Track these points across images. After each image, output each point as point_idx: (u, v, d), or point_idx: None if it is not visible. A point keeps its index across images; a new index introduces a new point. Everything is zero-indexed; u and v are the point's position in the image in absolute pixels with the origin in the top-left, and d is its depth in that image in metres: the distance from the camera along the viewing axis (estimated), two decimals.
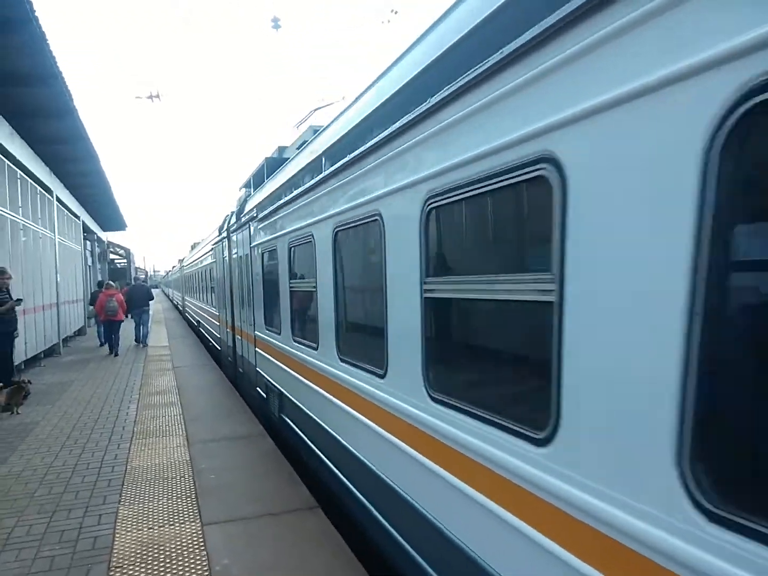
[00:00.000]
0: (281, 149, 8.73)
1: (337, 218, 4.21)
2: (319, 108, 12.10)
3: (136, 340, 18.97)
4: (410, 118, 2.90)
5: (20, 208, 13.54)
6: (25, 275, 13.23)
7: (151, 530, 4.96)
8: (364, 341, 3.98)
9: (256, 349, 8.29)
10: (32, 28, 8.68)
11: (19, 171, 13.67)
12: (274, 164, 7.56)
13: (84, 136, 14.44)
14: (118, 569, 4.35)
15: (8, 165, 12.68)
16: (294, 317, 5.93)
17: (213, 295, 15.00)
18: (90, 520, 5.24)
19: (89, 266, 29.81)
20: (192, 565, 4.37)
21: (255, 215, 7.73)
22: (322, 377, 4.81)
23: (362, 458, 3.94)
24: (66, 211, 20.68)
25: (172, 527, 5.01)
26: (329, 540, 4.56)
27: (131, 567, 4.38)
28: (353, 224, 3.91)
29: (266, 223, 7.03)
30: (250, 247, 8.23)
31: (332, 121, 4.51)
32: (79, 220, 24.06)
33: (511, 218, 2.39)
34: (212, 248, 14.63)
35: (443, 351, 2.95)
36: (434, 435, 2.92)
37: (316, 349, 4.99)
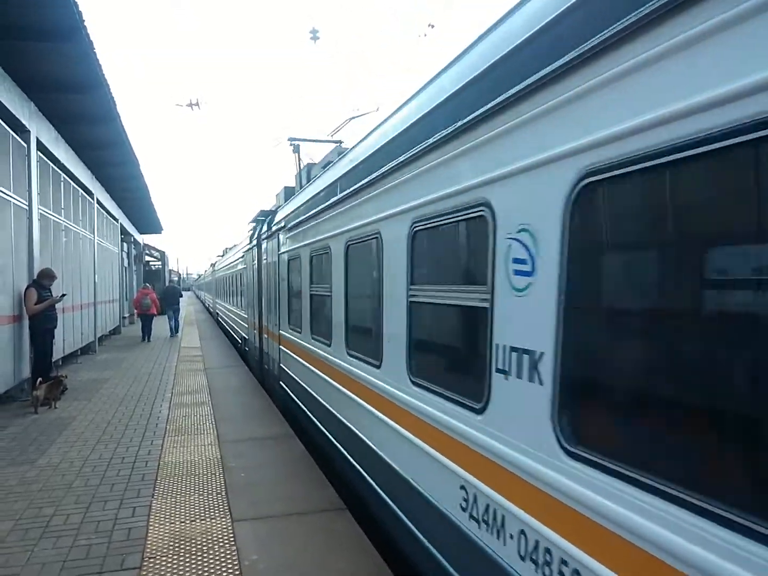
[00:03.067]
0: (309, 166, 9.59)
1: (348, 234, 5.13)
2: (354, 117, 12.22)
3: (170, 332, 23.58)
4: (399, 161, 3.88)
5: (63, 210, 13.94)
6: (65, 275, 13.61)
7: (183, 524, 5.07)
8: (366, 338, 4.77)
9: (280, 346, 9.17)
10: (81, 36, 8.96)
11: (63, 174, 14.07)
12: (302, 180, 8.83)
13: (125, 141, 14.81)
14: (151, 560, 4.46)
15: (53, 168, 13.06)
16: (312, 318, 6.96)
17: (242, 297, 15.97)
18: (125, 512, 5.37)
19: (125, 267, 30.53)
20: (222, 559, 4.45)
21: (283, 226, 8.62)
22: (334, 369, 5.80)
23: (362, 436, 4.94)
24: (105, 213, 21.26)
25: (203, 522, 5.11)
26: (356, 541, 4.62)
27: (164, 558, 4.48)
28: (360, 240, 4.82)
29: (292, 233, 7.91)
30: (278, 255, 9.17)
31: (344, 155, 5.66)
32: (118, 222, 24.66)
33: (462, 243, 3.34)
34: (243, 255, 15.37)
35: (418, 345, 3.84)
36: (414, 413, 3.81)
37: (329, 345, 5.99)
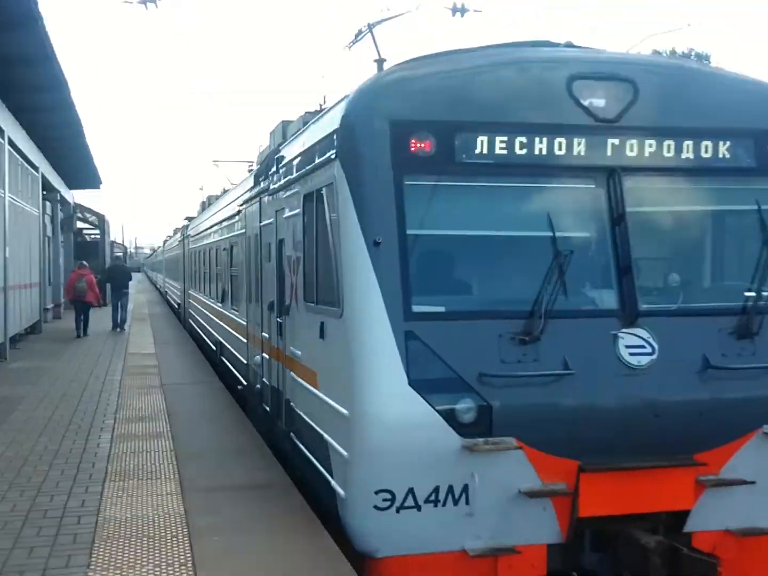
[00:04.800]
0: (285, 124, 10.99)
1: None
2: (381, 21, 12.23)
3: (113, 326, 24.74)
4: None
5: None
6: None
7: None
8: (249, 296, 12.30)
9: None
10: None
11: None
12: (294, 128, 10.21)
13: (50, 55, 14.80)
14: None
15: None
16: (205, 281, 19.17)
17: (237, 288, 14.87)
18: None
19: (49, 237, 30.71)
20: None
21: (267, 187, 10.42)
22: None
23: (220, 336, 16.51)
24: (20, 157, 21.15)
25: None
26: None
27: None
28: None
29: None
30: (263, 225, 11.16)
31: (236, 186, 15.64)
32: (38, 172, 24.77)
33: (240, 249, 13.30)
34: (239, 209, 13.76)
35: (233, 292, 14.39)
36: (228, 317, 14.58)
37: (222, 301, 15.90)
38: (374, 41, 11.15)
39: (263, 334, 10.34)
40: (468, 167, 6.33)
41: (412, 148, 6.17)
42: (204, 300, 20.31)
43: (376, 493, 5.86)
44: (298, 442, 7.99)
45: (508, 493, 5.96)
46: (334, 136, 6.60)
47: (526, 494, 5.95)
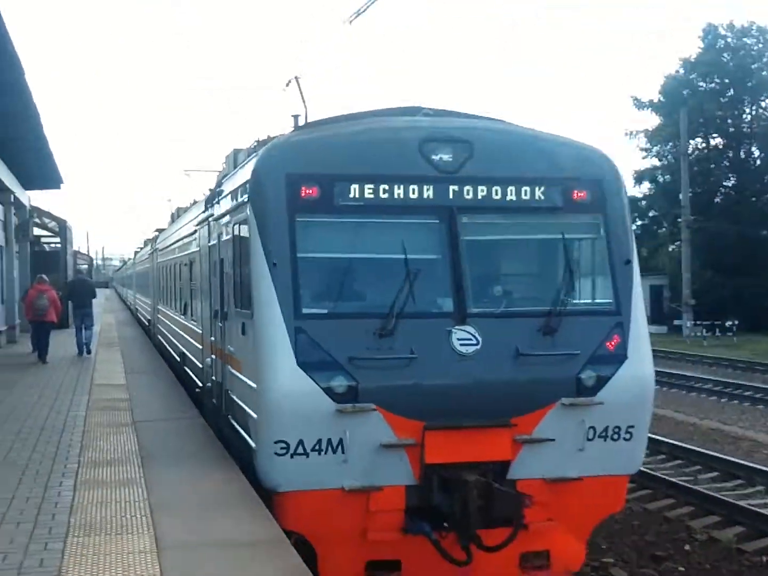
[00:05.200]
0: (236, 152, 13.34)
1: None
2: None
3: (78, 351, 24.33)
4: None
5: None
6: None
7: None
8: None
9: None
10: None
11: None
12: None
13: None
14: None
15: None
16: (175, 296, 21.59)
17: (195, 300, 17.33)
18: None
19: (0, 247, 30.22)
20: None
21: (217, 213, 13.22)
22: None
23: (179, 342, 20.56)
24: None
25: None
26: None
27: None
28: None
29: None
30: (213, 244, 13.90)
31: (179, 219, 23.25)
32: None
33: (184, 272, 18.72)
34: (195, 229, 16.42)
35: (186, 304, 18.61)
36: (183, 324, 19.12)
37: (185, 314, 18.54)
38: (300, 93, 15.36)
39: (211, 338, 13.22)
40: (344, 207, 9.31)
41: (302, 194, 9.16)
42: (170, 314, 23.14)
43: (275, 443, 8.74)
44: (232, 421, 10.87)
45: (373, 445, 8.83)
46: (247, 184, 9.78)
47: (385, 447, 8.83)
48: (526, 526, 9.10)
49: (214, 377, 12.91)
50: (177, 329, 20.85)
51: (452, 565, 8.95)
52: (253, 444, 9.32)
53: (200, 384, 15.04)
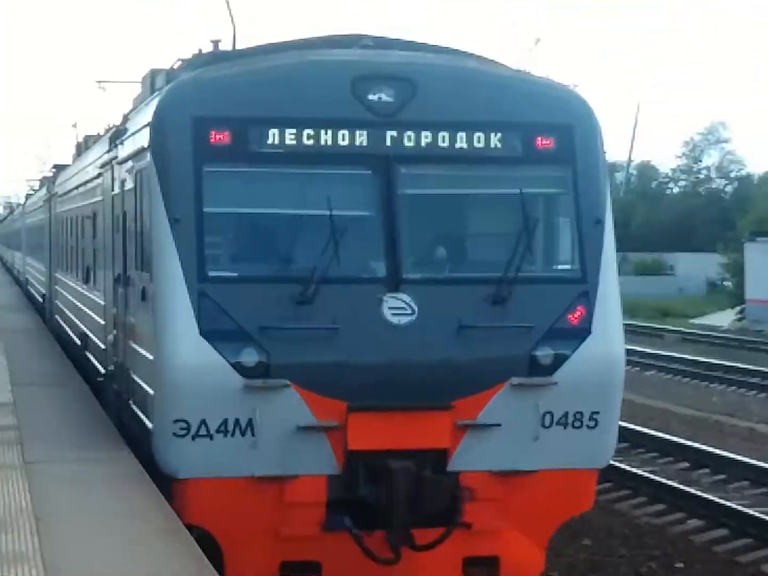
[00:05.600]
0: (154, 73, 11.07)
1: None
2: None
3: None
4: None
5: None
6: None
7: None
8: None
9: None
10: None
11: None
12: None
13: None
14: None
15: None
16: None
17: (98, 264, 13.82)
18: None
19: None
20: None
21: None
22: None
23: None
24: None
25: None
26: None
27: None
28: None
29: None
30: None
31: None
32: None
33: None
34: (99, 172, 13.18)
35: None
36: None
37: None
38: (229, 9, 12.92)
39: (113, 310, 11.20)
40: (261, 156, 8.14)
41: (212, 140, 7.95)
42: (70, 284, 18.37)
43: (174, 422, 7.71)
44: (133, 406, 9.43)
45: (287, 428, 7.75)
46: (149, 127, 8.46)
47: (302, 429, 7.74)
48: (468, 525, 7.97)
49: (116, 357, 11.12)
50: (77, 302, 16.96)
51: (379, 567, 7.82)
52: (149, 423, 8.31)
53: (102, 370, 12.77)
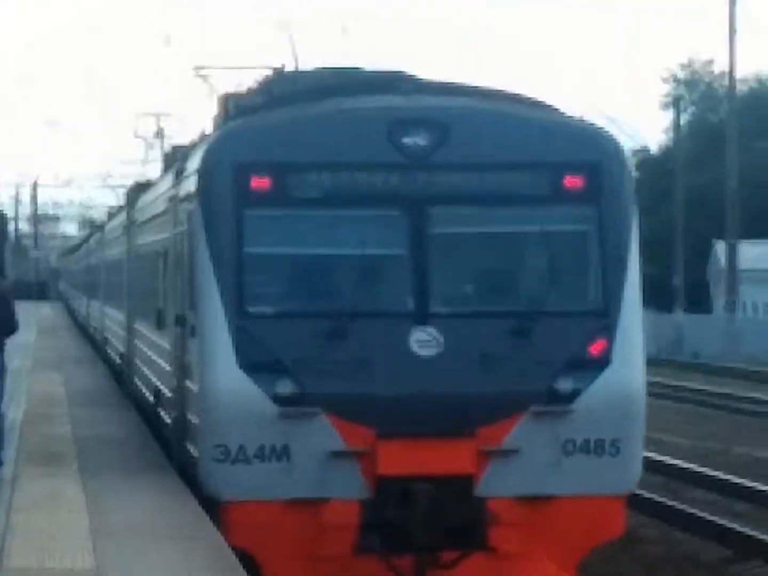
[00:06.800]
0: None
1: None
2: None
3: None
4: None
5: None
6: None
7: None
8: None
9: None
10: None
11: None
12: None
13: None
14: None
15: None
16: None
17: (166, 307, 12.71)
18: None
19: None
20: None
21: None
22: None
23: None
24: None
25: None
26: None
27: None
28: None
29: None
30: None
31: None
32: None
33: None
34: (167, 207, 12.49)
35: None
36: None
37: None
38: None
39: (176, 354, 10.75)
40: (298, 200, 8.64)
41: (252, 185, 8.47)
42: (147, 334, 15.18)
43: (215, 447, 8.25)
44: (189, 447, 9.67)
45: (320, 453, 8.19)
46: (195, 175, 9.07)
47: (334, 455, 8.19)
48: (494, 549, 8.32)
49: (177, 401, 10.88)
50: (154, 355, 13.87)
51: None
52: (194, 453, 8.86)
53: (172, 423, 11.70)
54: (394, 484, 8.19)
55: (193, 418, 9.07)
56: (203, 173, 8.81)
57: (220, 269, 8.37)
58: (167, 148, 25.69)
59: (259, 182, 8.46)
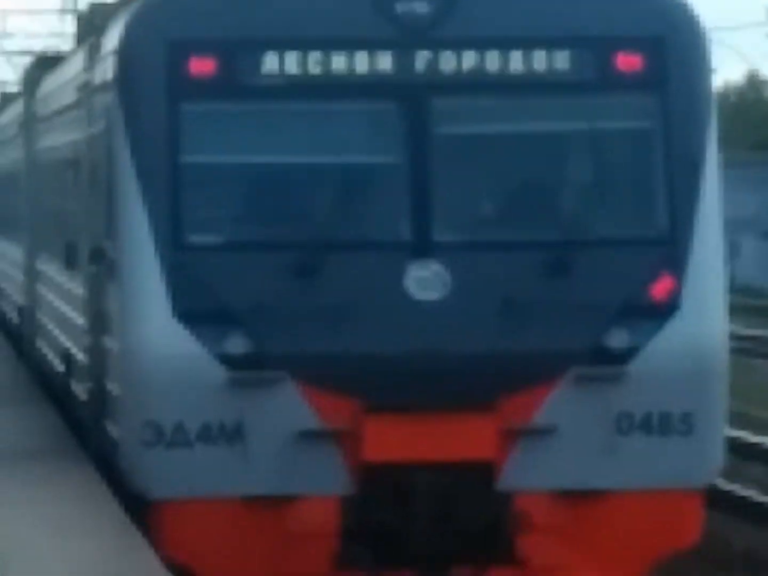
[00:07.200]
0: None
1: None
2: None
3: None
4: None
5: None
6: None
7: None
8: None
9: None
10: None
11: None
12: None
13: None
14: None
15: None
16: None
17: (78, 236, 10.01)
18: None
19: None
20: None
21: None
22: None
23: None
24: None
25: None
26: None
27: None
28: None
29: None
30: None
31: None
32: None
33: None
34: (78, 97, 9.97)
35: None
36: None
37: None
38: None
39: (89, 298, 8.87)
40: (255, 88, 6.72)
41: (192, 70, 6.58)
42: (55, 276, 12.31)
43: (143, 426, 6.37)
44: (109, 428, 7.92)
45: (286, 434, 6.37)
46: (113, 56, 7.07)
47: (305, 435, 6.35)
48: (523, 562, 6.43)
49: (93, 367, 8.71)
50: (64, 309, 11.24)
51: None
52: (114, 433, 6.90)
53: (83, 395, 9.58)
54: (386, 475, 6.37)
55: (113, 388, 7.01)
56: (124, 53, 6.80)
57: (148, 185, 6.47)
58: (84, 5, 18.06)
59: (202, 65, 6.52)
